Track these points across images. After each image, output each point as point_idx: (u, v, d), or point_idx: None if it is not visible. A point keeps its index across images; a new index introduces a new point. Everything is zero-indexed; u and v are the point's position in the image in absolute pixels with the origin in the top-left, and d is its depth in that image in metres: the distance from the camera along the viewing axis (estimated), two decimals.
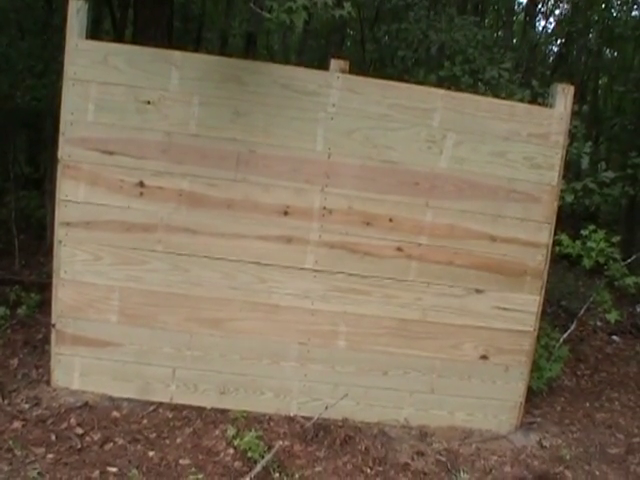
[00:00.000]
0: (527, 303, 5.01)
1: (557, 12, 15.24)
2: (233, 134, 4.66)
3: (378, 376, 4.98)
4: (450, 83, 6.71)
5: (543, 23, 15.49)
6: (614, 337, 8.18)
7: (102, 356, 4.83)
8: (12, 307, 6.31)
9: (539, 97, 6.38)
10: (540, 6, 15.02)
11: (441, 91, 4.91)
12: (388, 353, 4.95)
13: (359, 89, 4.71)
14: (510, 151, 4.86)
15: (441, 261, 4.89)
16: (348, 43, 13.83)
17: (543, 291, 5.04)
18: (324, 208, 4.76)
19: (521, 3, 15.88)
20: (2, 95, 7.70)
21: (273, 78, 4.66)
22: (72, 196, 4.66)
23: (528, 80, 7.28)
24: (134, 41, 7.97)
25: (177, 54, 4.66)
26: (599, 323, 8.32)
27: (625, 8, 12.23)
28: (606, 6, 12.06)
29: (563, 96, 4.90)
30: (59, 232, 4.71)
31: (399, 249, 4.84)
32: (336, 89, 4.69)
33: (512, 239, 4.93)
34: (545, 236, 4.96)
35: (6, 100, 7.80)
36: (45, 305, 5.85)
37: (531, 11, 14.52)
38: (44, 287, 6.23)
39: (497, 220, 4.90)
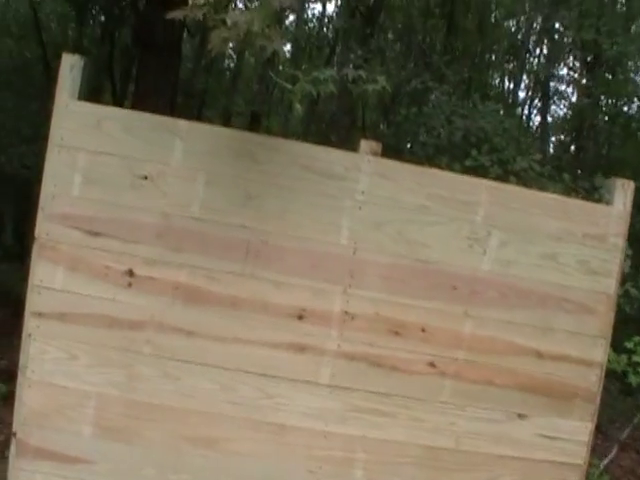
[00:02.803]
0: (577, 431, 4.33)
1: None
2: (242, 220, 4.05)
3: None
4: (477, 174, 6.30)
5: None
6: None
7: (70, 474, 4.09)
8: None
9: (572, 192, 6.00)
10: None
11: (486, 182, 4.38)
12: None
13: (392, 175, 4.13)
14: (562, 253, 4.27)
15: (479, 380, 4.23)
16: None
17: (595, 417, 4.38)
18: (346, 313, 4.11)
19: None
20: None
21: (292, 157, 4.09)
22: (47, 282, 4.02)
23: (557, 172, 6.92)
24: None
25: (182, 123, 4.10)
26: (628, 441, 7.67)
27: None
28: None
29: (622, 192, 4.35)
30: (29, 323, 4.05)
31: (431, 364, 4.19)
32: (366, 174, 4.10)
33: (562, 356, 4.30)
34: (600, 353, 4.33)
35: None
36: (13, 399, 5.12)
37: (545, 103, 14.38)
38: (14, 376, 5.50)
39: (545, 333, 4.27)
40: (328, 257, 4.11)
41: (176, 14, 3.43)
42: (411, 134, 8.08)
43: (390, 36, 14.03)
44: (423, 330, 4.18)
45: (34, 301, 4.05)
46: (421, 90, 8.36)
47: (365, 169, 4.11)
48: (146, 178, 4.03)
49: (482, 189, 4.23)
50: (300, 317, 4.09)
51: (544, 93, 14.73)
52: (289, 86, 4.03)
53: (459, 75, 10.67)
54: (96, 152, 4.02)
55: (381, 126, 14.93)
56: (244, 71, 17.21)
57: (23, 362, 4.09)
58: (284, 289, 4.08)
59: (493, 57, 18.75)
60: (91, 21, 12.92)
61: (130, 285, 4.04)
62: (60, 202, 4.02)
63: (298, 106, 4.27)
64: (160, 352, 4.06)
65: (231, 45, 3.44)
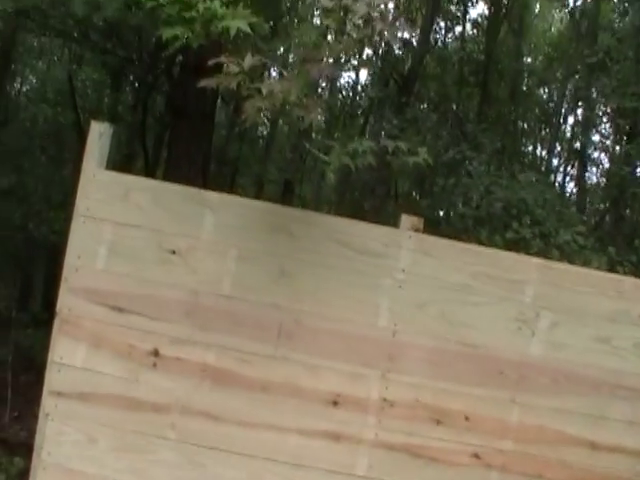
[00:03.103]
0: None
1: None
2: (275, 298, 3.84)
3: None
4: (518, 247, 6.06)
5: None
6: None
7: None
8: None
9: (617, 266, 5.74)
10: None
11: (535, 260, 4.15)
12: None
13: (435, 252, 3.91)
14: (616, 336, 3.99)
15: (528, 473, 3.91)
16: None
17: None
18: (384, 399, 3.84)
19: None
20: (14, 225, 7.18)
21: (328, 232, 3.90)
22: (68, 359, 3.84)
23: (600, 244, 6.68)
24: (165, 179, 7.39)
25: (213, 195, 3.96)
26: None
27: None
28: None
29: None
30: (47, 402, 3.84)
31: (476, 456, 3.89)
32: (407, 250, 3.89)
33: (617, 447, 3.97)
34: None
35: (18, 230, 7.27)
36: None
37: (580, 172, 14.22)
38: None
39: (599, 422, 3.96)
40: (365, 339, 3.87)
41: (209, 82, 3.29)
42: (447, 204, 7.90)
43: (425, 105, 14.08)
44: (467, 418, 3.90)
45: (53, 379, 3.86)
46: (458, 160, 8.21)
47: (406, 246, 3.90)
48: (175, 252, 3.87)
49: (530, 267, 4.00)
50: (335, 403, 3.83)
51: (580, 161, 14.55)
52: (324, 157, 3.89)
53: (494, 144, 10.55)
54: (123, 224, 3.89)
55: (413, 193, 14.88)
56: (277, 138, 17.35)
57: (39, 443, 3.86)
58: (318, 373, 3.84)
59: (525, 125, 18.79)
60: (126, 88, 13.05)
61: (155, 365, 3.83)
62: (84, 275, 3.86)
63: (331, 175, 4.10)
64: (185, 437, 3.83)
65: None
